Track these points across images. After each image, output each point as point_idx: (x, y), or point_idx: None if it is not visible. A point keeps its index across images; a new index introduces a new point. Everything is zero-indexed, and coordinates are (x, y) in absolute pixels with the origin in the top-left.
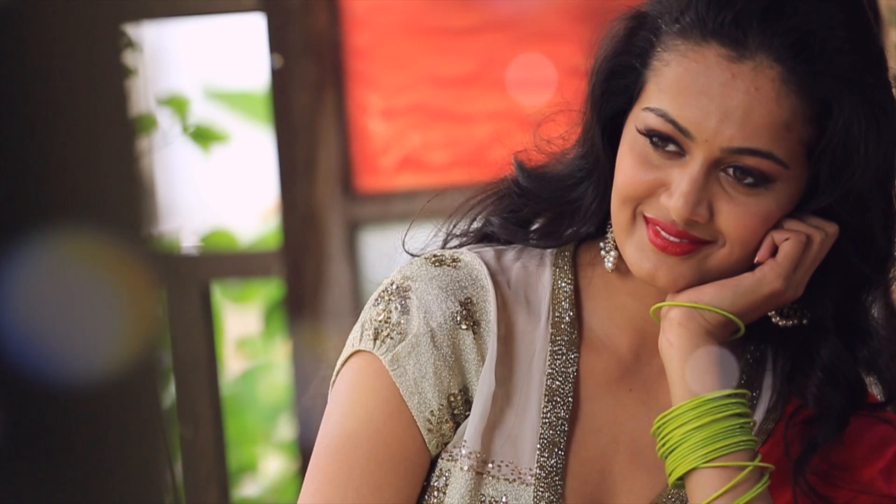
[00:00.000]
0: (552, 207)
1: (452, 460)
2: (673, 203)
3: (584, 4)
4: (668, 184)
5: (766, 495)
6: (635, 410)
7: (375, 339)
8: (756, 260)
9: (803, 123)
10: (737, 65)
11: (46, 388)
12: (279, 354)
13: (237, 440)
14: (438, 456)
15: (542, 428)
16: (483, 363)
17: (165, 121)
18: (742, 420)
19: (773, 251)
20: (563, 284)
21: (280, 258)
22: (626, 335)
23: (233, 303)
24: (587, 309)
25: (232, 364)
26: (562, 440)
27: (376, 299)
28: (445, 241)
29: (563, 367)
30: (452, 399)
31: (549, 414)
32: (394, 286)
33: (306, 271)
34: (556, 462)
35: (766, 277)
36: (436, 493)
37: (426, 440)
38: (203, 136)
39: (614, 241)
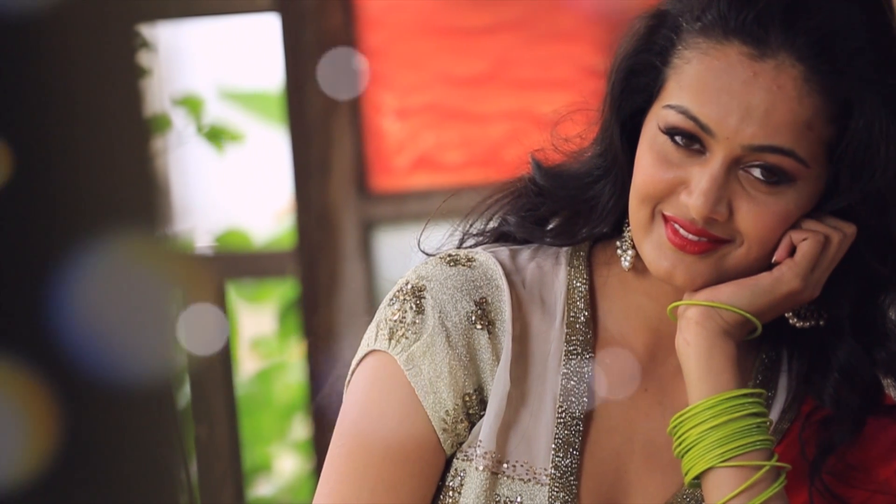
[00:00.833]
0: (569, 206)
1: (467, 460)
2: (693, 201)
3: (599, 4)
4: (688, 182)
5: (782, 495)
6: (650, 410)
7: (390, 339)
8: (774, 260)
9: (824, 123)
10: (759, 63)
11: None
12: (294, 354)
13: (252, 440)
14: (453, 456)
15: (557, 428)
16: (498, 363)
17: (180, 121)
18: (759, 420)
19: (791, 251)
20: (579, 284)
21: (294, 258)
22: (642, 335)
23: (247, 303)
24: (602, 309)
25: (246, 364)
26: (577, 440)
27: (391, 299)
28: (462, 241)
29: (578, 366)
30: (467, 399)
31: (563, 414)
32: (409, 286)
33: (321, 271)
34: (571, 462)
35: (785, 277)
36: (451, 492)
37: (441, 440)
38: (217, 136)
39: (631, 241)
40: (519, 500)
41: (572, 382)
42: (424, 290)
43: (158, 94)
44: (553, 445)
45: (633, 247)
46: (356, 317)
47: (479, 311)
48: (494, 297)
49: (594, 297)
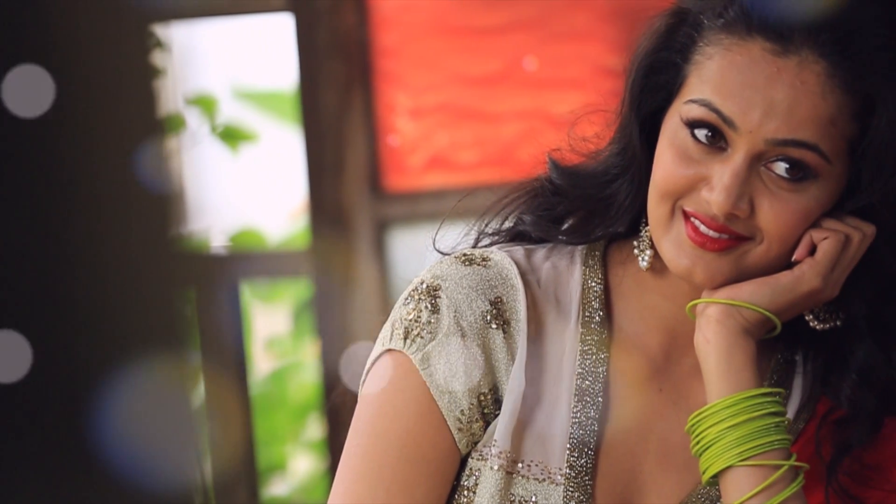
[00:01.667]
0: (585, 205)
1: (482, 459)
2: (714, 196)
3: (613, 3)
4: (709, 178)
5: (800, 495)
6: (665, 410)
7: (406, 339)
8: (794, 258)
9: (847, 119)
10: (782, 59)
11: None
12: (308, 354)
13: (266, 439)
14: (468, 455)
15: (572, 428)
16: (513, 362)
17: (194, 121)
18: (777, 419)
19: (811, 250)
20: (594, 284)
21: (308, 258)
22: (657, 335)
23: (262, 302)
24: (617, 308)
25: (261, 363)
26: (591, 440)
27: (406, 298)
28: (477, 240)
29: (593, 366)
30: (482, 398)
31: (578, 414)
32: (424, 285)
33: (335, 271)
34: (586, 462)
35: (805, 276)
36: (466, 492)
37: (456, 439)
38: (231, 136)
39: (649, 240)
40: (534, 499)
41: (587, 382)
42: (440, 289)
43: (172, 94)
44: (568, 445)
45: (651, 247)
46: (370, 316)
47: (494, 311)
48: (510, 296)
49: (609, 296)
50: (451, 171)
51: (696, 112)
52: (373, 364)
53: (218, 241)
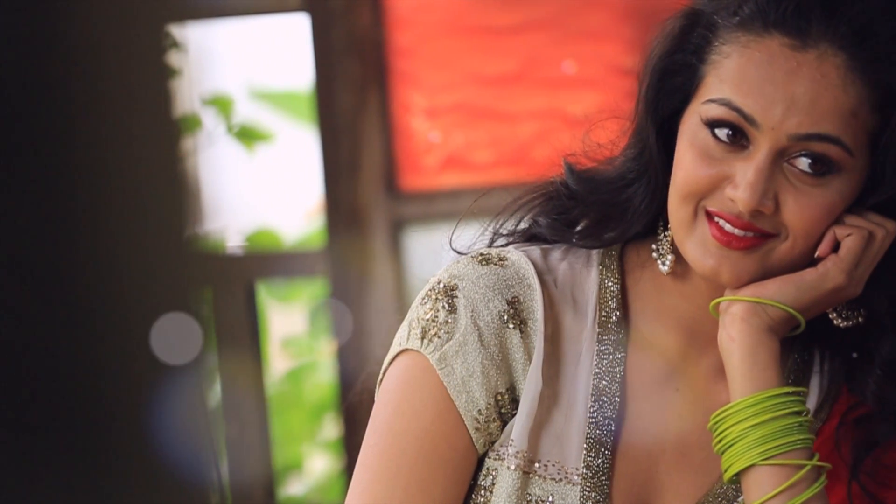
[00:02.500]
0: (601, 210)
1: (499, 459)
2: (739, 194)
3: (629, 3)
4: (732, 176)
5: (822, 495)
6: (682, 410)
7: (423, 338)
8: (817, 254)
9: (869, 111)
10: (801, 54)
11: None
12: (324, 353)
13: (283, 439)
14: (485, 455)
15: (589, 428)
16: (530, 362)
17: (210, 121)
18: (800, 418)
19: (834, 247)
20: (610, 284)
21: (324, 257)
22: (675, 335)
23: (278, 302)
24: (634, 309)
25: (277, 363)
26: (608, 440)
27: (423, 298)
28: (492, 240)
29: (610, 366)
30: (499, 398)
31: (595, 414)
32: (441, 285)
33: (350, 270)
34: (603, 462)
35: (830, 273)
36: (483, 492)
37: (473, 439)
38: (247, 136)
39: (670, 244)
40: (550, 499)
41: (604, 382)
42: (457, 289)
43: (188, 94)
44: (585, 445)
45: (672, 251)
46: (386, 316)
47: (511, 311)
48: (526, 296)
49: (626, 297)
50: (467, 170)
51: (716, 111)
52: (390, 364)
53: (234, 241)
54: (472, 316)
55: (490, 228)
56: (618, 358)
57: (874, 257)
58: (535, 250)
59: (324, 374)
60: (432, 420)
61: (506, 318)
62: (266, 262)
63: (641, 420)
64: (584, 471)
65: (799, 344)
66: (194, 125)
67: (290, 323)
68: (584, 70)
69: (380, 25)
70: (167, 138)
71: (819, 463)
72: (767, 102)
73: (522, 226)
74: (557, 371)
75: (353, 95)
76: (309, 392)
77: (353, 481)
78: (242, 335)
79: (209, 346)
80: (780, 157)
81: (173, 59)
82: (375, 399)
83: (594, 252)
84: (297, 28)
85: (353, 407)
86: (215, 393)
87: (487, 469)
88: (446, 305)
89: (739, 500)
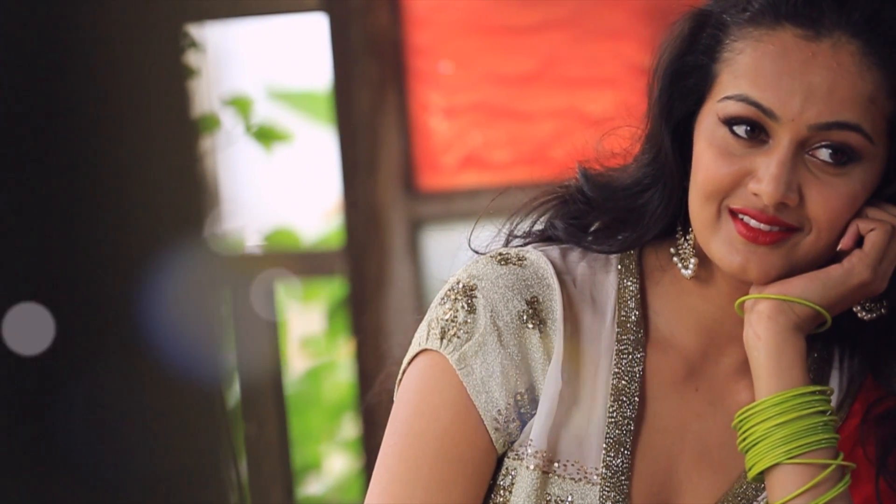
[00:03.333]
0: (617, 216)
1: (519, 459)
2: (764, 187)
3: (647, 2)
4: (754, 171)
5: (846, 495)
6: (702, 410)
7: (442, 339)
8: (840, 247)
9: (886, 97)
10: (815, 44)
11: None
12: (343, 353)
13: (301, 439)
14: (505, 454)
15: (609, 427)
16: (549, 362)
17: (228, 121)
18: (825, 417)
19: (857, 242)
20: (629, 284)
21: (343, 257)
22: (694, 335)
23: (296, 301)
24: (653, 309)
25: (296, 363)
26: (628, 440)
27: (442, 298)
28: (507, 241)
29: (630, 366)
30: (519, 398)
31: (615, 413)
32: (460, 285)
33: (369, 270)
34: (622, 462)
35: (855, 269)
36: (502, 491)
37: (493, 439)
38: (266, 136)
39: (692, 248)
40: (570, 499)
41: (623, 382)
42: (476, 289)
43: (207, 95)
44: (604, 445)
45: (695, 255)
46: (404, 315)
47: (530, 311)
48: (546, 296)
49: (645, 297)
50: (485, 170)
51: (733, 108)
52: (409, 364)
53: (252, 240)
54: (491, 316)
55: (505, 229)
56: (637, 357)
57: None
58: (554, 250)
59: (342, 374)
60: (452, 420)
61: (525, 317)
62: (284, 261)
63: (661, 420)
64: (604, 471)
65: (819, 341)
66: (213, 125)
67: (308, 322)
68: (603, 69)
69: (398, 25)
70: (186, 138)
71: (844, 462)
72: (785, 94)
73: (538, 227)
74: (577, 371)
75: (371, 95)
76: (328, 391)
77: (373, 481)
78: (261, 335)
79: (228, 345)
80: (801, 148)
81: (192, 59)
82: (395, 399)
83: (613, 255)
84: (315, 28)
85: (372, 407)
86: (234, 392)
87: (507, 469)
88: (465, 305)
89: (759, 499)
